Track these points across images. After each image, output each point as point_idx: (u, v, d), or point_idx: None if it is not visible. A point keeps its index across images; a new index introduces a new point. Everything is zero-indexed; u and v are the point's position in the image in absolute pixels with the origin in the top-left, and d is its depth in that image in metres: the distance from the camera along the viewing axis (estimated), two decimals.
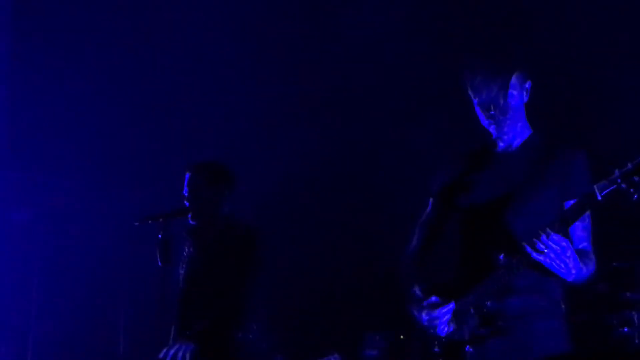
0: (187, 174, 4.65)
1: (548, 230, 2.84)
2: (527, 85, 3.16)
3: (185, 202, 4.60)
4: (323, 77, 6.75)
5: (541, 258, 2.87)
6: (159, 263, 4.46)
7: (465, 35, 5.96)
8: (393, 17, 6.48)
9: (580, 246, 3.05)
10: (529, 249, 2.87)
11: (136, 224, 4.65)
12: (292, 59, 6.88)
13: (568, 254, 2.87)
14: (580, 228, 3.05)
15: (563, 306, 3.10)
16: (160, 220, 4.52)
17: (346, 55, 6.69)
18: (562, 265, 2.88)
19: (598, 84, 5.72)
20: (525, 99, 3.17)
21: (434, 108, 6.06)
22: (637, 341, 5.26)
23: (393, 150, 6.53)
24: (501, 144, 3.20)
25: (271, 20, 7.00)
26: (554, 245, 2.84)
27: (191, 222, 4.60)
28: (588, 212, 3.04)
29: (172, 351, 4.30)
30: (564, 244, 2.85)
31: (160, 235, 4.49)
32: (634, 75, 5.65)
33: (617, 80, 5.68)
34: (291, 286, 6.51)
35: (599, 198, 2.79)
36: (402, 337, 5.61)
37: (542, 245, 2.84)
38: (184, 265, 4.65)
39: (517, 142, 3.19)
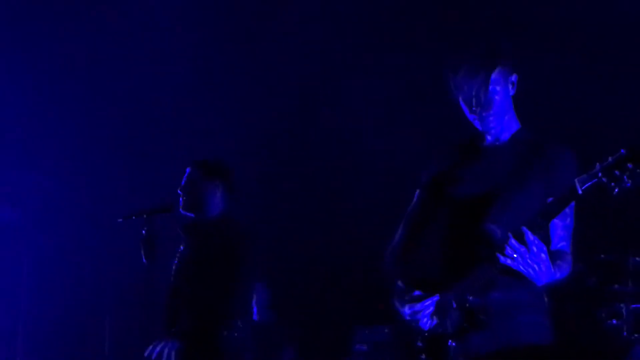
0: (187, 169, 4.66)
1: (524, 230, 2.82)
2: (512, 79, 3.13)
3: (179, 191, 4.59)
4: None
5: (508, 262, 2.86)
6: (143, 260, 4.44)
7: (455, 33, 5.97)
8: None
9: (558, 245, 3.03)
10: (498, 254, 2.86)
11: (120, 220, 4.63)
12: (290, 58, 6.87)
13: (539, 258, 2.85)
14: (560, 227, 3.03)
15: (546, 299, 3.09)
16: (144, 216, 4.50)
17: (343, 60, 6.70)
18: (531, 270, 2.87)
19: (589, 79, 5.73)
20: (512, 92, 3.14)
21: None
22: (625, 333, 5.27)
23: (382, 146, 6.53)
24: (489, 138, 3.18)
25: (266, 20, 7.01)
26: (525, 249, 2.82)
27: (181, 211, 4.59)
28: (571, 212, 3.03)
29: (157, 349, 4.28)
30: (534, 248, 2.83)
31: (144, 232, 4.47)
32: (624, 72, 5.66)
33: (607, 77, 5.69)
34: (279, 282, 6.51)
35: (580, 192, 2.77)
36: (386, 330, 5.61)
37: (510, 250, 2.83)
38: (175, 262, 4.63)
39: (505, 136, 3.17)
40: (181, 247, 4.66)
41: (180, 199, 4.58)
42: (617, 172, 2.70)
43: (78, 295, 7.21)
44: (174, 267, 4.61)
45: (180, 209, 4.58)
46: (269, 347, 6.35)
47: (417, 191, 3.35)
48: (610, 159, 2.72)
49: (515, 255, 2.83)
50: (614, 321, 5.27)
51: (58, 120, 7.36)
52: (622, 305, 5.28)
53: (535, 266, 2.85)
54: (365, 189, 6.60)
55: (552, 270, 2.90)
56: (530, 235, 2.81)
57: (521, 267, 2.86)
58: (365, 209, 6.47)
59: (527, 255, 2.83)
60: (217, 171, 4.64)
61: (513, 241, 2.82)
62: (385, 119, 6.61)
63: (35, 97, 7.37)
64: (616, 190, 2.71)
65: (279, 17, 6.89)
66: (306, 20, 6.78)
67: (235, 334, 4.38)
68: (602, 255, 5.23)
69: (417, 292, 3.08)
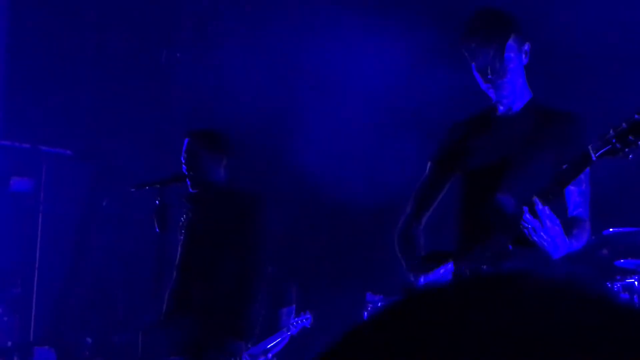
0: (186, 140, 4.56)
1: (535, 201, 2.81)
2: (525, 48, 3.11)
3: (183, 167, 4.53)
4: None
5: (524, 232, 2.85)
6: (157, 229, 4.43)
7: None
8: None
9: (575, 212, 3.02)
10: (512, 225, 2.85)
11: (132, 189, 4.62)
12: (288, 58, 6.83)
13: (553, 231, 2.84)
14: (576, 193, 3.01)
15: (560, 270, 3.08)
16: (157, 186, 4.49)
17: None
18: (546, 244, 2.86)
19: (600, 49, 5.68)
20: (525, 61, 3.13)
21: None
22: (636, 307, 5.25)
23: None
24: (501, 108, 3.17)
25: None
26: (539, 222, 2.81)
27: (190, 189, 4.52)
28: (586, 178, 3.01)
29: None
30: (547, 222, 2.82)
31: (157, 202, 4.46)
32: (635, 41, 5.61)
33: (618, 46, 5.64)
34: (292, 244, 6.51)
35: (594, 158, 2.75)
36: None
37: (524, 224, 2.82)
38: (182, 232, 4.56)
39: (517, 105, 3.16)
40: (183, 217, 4.58)
41: (185, 170, 4.49)
42: (631, 137, 2.67)
43: (91, 265, 7.25)
44: (181, 238, 4.54)
45: (190, 188, 4.50)
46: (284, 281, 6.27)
47: (429, 164, 3.35)
48: (624, 124, 2.69)
49: (529, 227, 2.82)
50: (626, 295, 5.26)
51: (72, 91, 7.37)
52: (634, 278, 5.26)
53: (549, 239, 2.84)
54: (380, 164, 6.58)
55: (568, 241, 2.89)
56: (541, 206, 2.80)
57: (535, 239, 2.85)
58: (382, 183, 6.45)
59: (542, 229, 2.82)
60: (218, 141, 4.57)
61: (527, 215, 2.81)
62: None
63: (48, 69, 7.37)
64: (630, 156, 2.69)
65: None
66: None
67: (255, 307, 4.34)
68: (612, 229, 5.20)
69: (431, 264, 3.08)
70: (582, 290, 0.59)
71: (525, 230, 2.83)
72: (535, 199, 2.81)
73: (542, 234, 2.83)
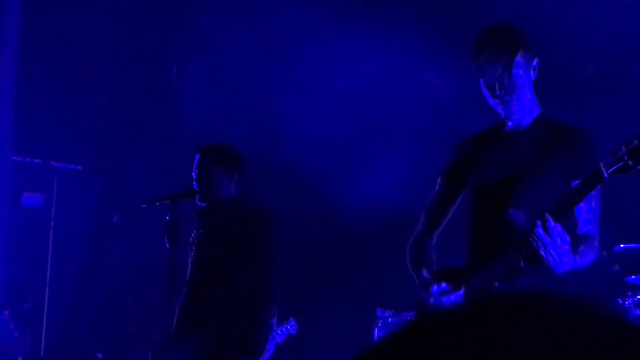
0: (197, 156, 4.56)
1: (547, 218, 2.81)
2: (534, 63, 3.12)
3: (194, 183, 4.52)
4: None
5: (532, 245, 2.85)
6: (167, 245, 4.43)
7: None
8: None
9: (584, 229, 3.01)
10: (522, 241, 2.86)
11: (144, 205, 4.62)
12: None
13: (561, 249, 2.84)
14: (586, 210, 3.00)
15: (571, 287, 3.07)
16: (168, 201, 4.49)
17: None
18: (551, 259, 2.86)
19: (610, 65, 5.67)
20: (533, 77, 3.12)
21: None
22: None
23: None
24: (510, 123, 3.17)
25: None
26: (549, 238, 2.81)
27: (199, 204, 4.51)
28: (597, 195, 3.00)
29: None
30: (558, 239, 2.81)
31: (167, 217, 4.46)
32: None
33: (629, 62, 5.64)
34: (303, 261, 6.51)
35: (606, 176, 2.75)
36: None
37: (534, 238, 2.82)
38: (193, 248, 4.54)
39: (527, 121, 3.16)
40: (193, 232, 4.57)
41: (195, 185, 4.48)
42: None
43: (102, 280, 7.25)
44: (191, 254, 4.52)
45: (198, 202, 4.49)
46: None
47: (439, 179, 3.34)
48: (635, 141, 2.69)
49: (539, 243, 2.82)
50: (638, 311, 5.23)
51: (83, 106, 7.41)
52: None
53: (556, 256, 2.83)
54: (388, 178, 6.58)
55: (572, 259, 2.88)
56: (553, 223, 2.79)
57: (542, 254, 2.84)
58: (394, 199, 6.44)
59: (551, 246, 2.81)
60: (229, 157, 4.56)
61: (539, 230, 2.80)
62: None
63: (59, 85, 7.41)
64: None
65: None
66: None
67: (266, 324, 4.32)
68: (622, 245, 5.18)
69: (444, 286, 3.05)
70: (598, 311, 0.60)
71: (534, 243, 2.83)
72: (548, 216, 2.80)
73: (550, 250, 2.82)
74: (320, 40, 6.63)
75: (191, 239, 4.58)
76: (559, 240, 2.81)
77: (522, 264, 2.92)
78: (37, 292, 7.24)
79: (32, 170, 7.39)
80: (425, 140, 6.00)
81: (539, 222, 2.80)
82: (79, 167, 7.43)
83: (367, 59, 6.64)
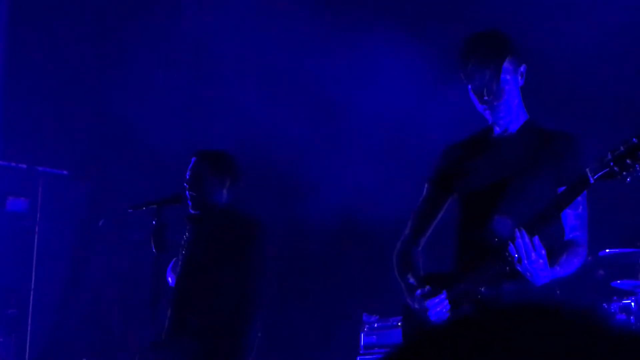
0: (192, 159, 4.56)
1: (522, 232, 2.82)
2: (522, 69, 3.13)
3: (185, 184, 4.50)
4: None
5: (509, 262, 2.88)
6: (153, 250, 4.42)
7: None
8: None
9: (571, 235, 3.02)
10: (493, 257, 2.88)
11: (130, 210, 4.61)
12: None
13: (537, 264, 2.85)
14: (572, 216, 3.01)
15: (558, 292, 3.08)
16: (154, 206, 4.47)
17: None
18: (527, 274, 2.88)
19: (598, 71, 5.70)
20: (521, 82, 3.14)
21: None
22: (634, 328, 5.23)
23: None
24: (497, 129, 3.18)
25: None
26: (524, 252, 2.83)
27: (191, 211, 4.50)
28: (584, 200, 3.01)
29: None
30: (532, 254, 2.83)
31: (154, 222, 4.45)
32: (632, 61, 5.63)
33: (615, 67, 5.66)
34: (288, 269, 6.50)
35: (592, 181, 2.76)
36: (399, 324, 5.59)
37: (509, 254, 2.85)
38: (182, 252, 4.54)
39: (514, 127, 3.17)
40: (185, 236, 4.57)
41: (187, 193, 4.48)
42: (629, 160, 2.68)
43: (88, 286, 7.23)
44: (181, 261, 4.52)
45: (190, 209, 4.49)
46: None
47: (426, 185, 3.35)
48: (621, 147, 2.71)
49: (515, 258, 2.84)
50: (624, 316, 5.25)
51: (68, 111, 7.38)
52: (631, 299, 5.25)
53: (532, 270, 2.85)
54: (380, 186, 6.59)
55: (551, 271, 2.90)
56: (527, 239, 2.81)
57: (519, 269, 2.87)
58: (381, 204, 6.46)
59: (526, 261, 2.83)
60: (224, 163, 4.56)
61: (512, 247, 2.83)
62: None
63: (45, 89, 7.39)
64: (628, 179, 2.70)
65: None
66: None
67: (253, 330, 4.30)
68: (608, 250, 5.20)
69: (427, 288, 3.06)
70: (590, 321, 0.60)
71: (509, 258, 2.84)
72: (523, 231, 2.82)
73: (526, 265, 2.84)
74: (304, 47, 6.64)
75: (182, 242, 4.58)
76: (533, 255, 2.82)
77: (507, 268, 2.92)
78: (21, 297, 7.20)
79: (17, 174, 7.35)
80: (410, 146, 6.01)
81: (516, 235, 2.82)
82: (65, 172, 7.40)
83: (350, 64, 6.66)
